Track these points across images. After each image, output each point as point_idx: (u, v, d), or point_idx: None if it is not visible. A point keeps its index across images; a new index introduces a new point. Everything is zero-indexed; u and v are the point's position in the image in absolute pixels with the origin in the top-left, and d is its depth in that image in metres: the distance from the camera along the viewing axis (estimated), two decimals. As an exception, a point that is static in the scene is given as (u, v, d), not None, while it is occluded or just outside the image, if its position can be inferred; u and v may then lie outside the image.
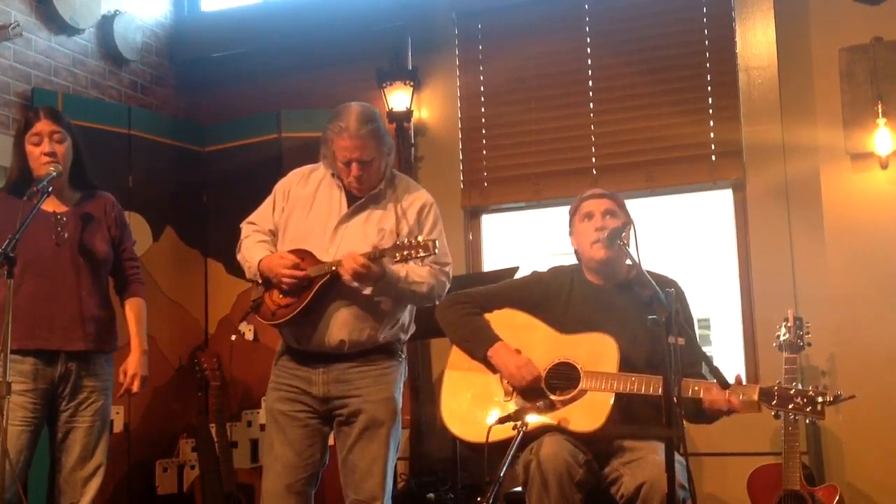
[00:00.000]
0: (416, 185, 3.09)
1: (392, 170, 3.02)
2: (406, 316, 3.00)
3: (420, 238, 2.70)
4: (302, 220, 2.96)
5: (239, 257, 3.05)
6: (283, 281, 2.83)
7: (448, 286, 2.98)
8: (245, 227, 3.08)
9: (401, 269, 2.82)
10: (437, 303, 3.00)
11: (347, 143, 2.84)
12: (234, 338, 4.49)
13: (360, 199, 2.93)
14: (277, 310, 2.87)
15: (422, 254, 2.68)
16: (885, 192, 4.08)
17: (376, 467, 2.86)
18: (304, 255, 2.87)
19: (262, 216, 3.07)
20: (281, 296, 2.87)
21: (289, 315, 2.83)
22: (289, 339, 2.97)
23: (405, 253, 2.68)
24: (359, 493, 2.86)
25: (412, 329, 3.06)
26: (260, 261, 2.90)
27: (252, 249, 2.97)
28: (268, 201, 3.08)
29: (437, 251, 2.70)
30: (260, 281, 2.93)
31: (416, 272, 2.87)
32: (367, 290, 2.84)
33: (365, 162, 2.86)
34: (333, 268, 2.77)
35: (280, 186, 3.08)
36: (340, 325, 2.84)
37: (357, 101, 2.95)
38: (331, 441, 3.01)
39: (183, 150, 5.07)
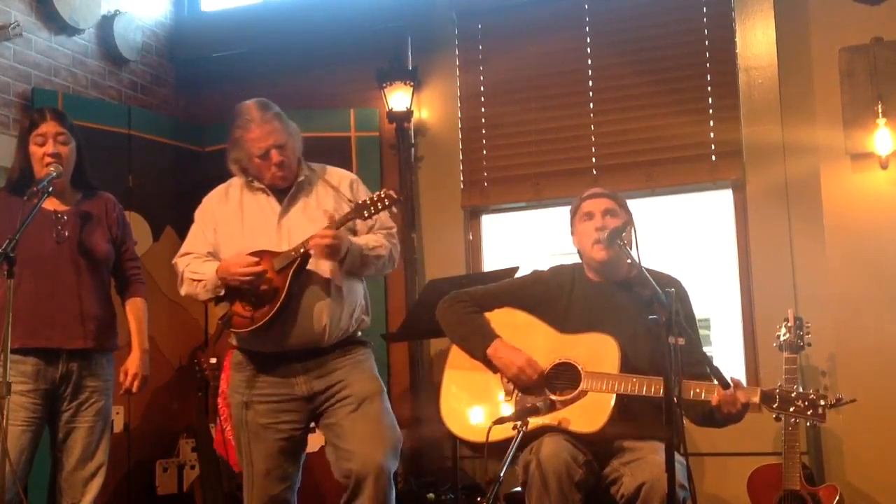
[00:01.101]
0: (332, 167, 3.08)
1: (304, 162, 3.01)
2: (363, 298, 3.00)
3: (380, 192, 2.72)
4: (238, 233, 2.91)
5: (185, 291, 2.94)
6: (243, 279, 2.75)
7: (399, 248, 3.01)
8: (181, 261, 2.98)
9: (359, 240, 2.85)
10: (394, 267, 3.04)
11: (258, 132, 2.84)
12: (214, 360, 4.46)
13: (286, 194, 2.91)
14: (254, 314, 2.80)
15: (387, 203, 2.70)
16: (885, 192, 4.08)
17: (366, 445, 2.75)
18: (261, 254, 2.82)
19: (195, 244, 2.99)
20: (252, 301, 2.81)
21: (271, 313, 2.77)
22: (262, 344, 2.88)
23: (371, 209, 2.69)
24: (356, 462, 2.73)
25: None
26: (217, 267, 2.83)
27: (201, 268, 2.89)
28: (194, 229, 3.02)
29: (397, 197, 2.73)
30: (222, 293, 2.87)
31: (372, 239, 2.90)
32: (337, 275, 2.82)
33: (281, 146, 2.86)
34: (302, 249, 2.74)
35: (200, 212, 3.03)
36: (321, 311, 2.82)
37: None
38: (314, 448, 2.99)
39: (183, 150, 5.07)
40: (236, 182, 3.01)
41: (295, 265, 2.76)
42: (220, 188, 3.05)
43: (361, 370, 2.92)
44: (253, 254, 2.83)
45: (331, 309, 2.84)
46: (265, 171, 2.89)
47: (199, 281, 2.89)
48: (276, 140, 2.85)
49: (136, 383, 3.22)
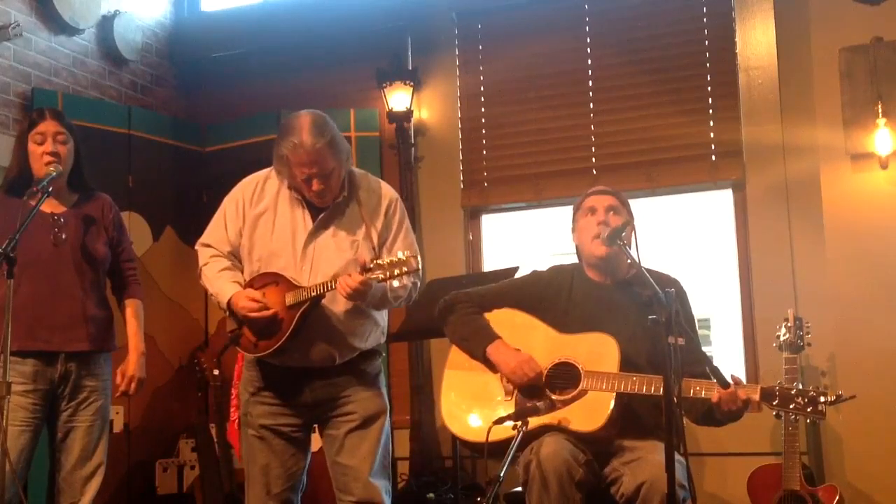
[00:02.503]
0: (375, 181, 2.97)
1: (349, 169, 2.92)
2: (385, 321, 2.99)
3: (401, 254, 2.63)
4: (267, 240, 2.85)
5: (202, 283, 2.93)
6: (250, 319, 2.74)
7: (419, 284, 2.95)
8: (202, 252, 2.94)
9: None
10: (409, 304, 3.00)
11: (304, 158, 2.70)
12: (216, 372, 4.44)
13: (322, 210, 2.83)
14: (258, 343, 2.79)
15: (405, 270, 2.62)
16: (885, 192, 4.08)
17: (368, 466, 2.81)
18: (277, 279, 2.78)
19: (216, 237, 2.93)
20: (258, 331, 2.79)
21: (273, 346, 2.75)
22: (271, 358, 2.86)
23: (389, 273, 2.61)
24: (354, 494, 2.81)
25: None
26: (229, 300, 2.78)
27: (216, 282, 2.85)
28: (218, 219, 2.94)
29: (417, 266, 2.65)
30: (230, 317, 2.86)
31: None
32: (350, 311, 2.79)
33: (325, 175, 2.75)
34: (314, 293, 2.70)
35: (231, 202, 2.92)
36: (330, 344, 2.80)
37: (307, 110, 2.80)
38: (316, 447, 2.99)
39: (183, 150, 5.08)
40: (276, 177, 2.90)
41: (306, 306, 2.73)
42: (259, 178, 2.92)
43: (369, 386, 2.89)
44: (268, 275, 2.80)
45: (340, 341, 2.81)
46: (304, 191, 2.81)
47: (214, 295, 2.87)
48: (320, 170, 2.73)
49: (132, 385, 3.22)
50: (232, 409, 4.23)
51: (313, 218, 2.84)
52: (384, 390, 2.95)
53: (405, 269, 2.61)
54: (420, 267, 2.69)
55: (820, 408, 2.48)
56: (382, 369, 3.00)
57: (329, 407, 2.86)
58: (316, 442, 2.98)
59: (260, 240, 2.86)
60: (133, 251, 3.44)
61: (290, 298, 2.74)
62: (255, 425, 2.90)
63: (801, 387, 2.54)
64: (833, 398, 2.51)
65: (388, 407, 2.94)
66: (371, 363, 2.93)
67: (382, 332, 2.98)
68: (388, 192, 2.95)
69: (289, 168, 2.77)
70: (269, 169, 2.92)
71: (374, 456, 2.83)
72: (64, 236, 3.12)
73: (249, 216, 2.88)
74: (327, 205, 2.83)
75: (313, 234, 2.83)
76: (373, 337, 2.91)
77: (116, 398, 3.31)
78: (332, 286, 2.68)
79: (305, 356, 2.80)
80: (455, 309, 3.01)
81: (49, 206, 3.10)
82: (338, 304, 2.80)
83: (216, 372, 4.42)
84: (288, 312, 2.74)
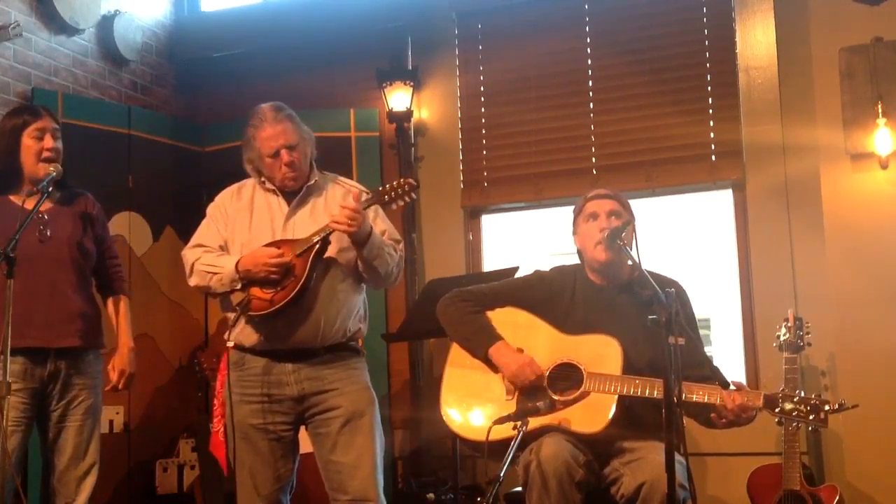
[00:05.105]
0: (344, 178, 3.13)
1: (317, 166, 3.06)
2: (363, 306, 3.04)
3: (399, 180, 2.78)
4: (245, 230, 2.95)
5: (195, 282, 2.94)
6: (270, 269, 2.78)
7: (402, 264, 3.04)
8: (192, 252, 2.98)
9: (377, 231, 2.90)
10: (395, 282, 3.08)
11: (270, 131, 2.90)
12: (202, 358, 4.44)
13: (295, 196, 2.95)
14: (274, 296, 2.81)
15: (407, 190, 2.77)
16: (885, 192, 4.07)
17: (364, 461, 2.83)
18: (275, 244, 2.87)
19: (207, 237, 3.01)
20: (270, 286, 2.82)
21: (291, 294, 2.78)
22: (256, 342, 2.89)
23: (392, 194, 2.76)
24: (349, 492, 2.82)
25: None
26: (237, 262, 2.84)
27: (217, 261, 2.90)
28: (206, 224, 3.04)
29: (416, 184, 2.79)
30: (239, 286, 2.86)
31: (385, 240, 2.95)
32: (339, 276, 2.87)
33: (292, 146, 2.90)
34: (322, 234, 2.78)
35: (213, 207, 3.07)
36: (317, 315, 2.84)
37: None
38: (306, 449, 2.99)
39: (183, 150, 5.07)
40: (249, 182, 3.05)
41: (315, 249, 2.80)
42: (234, 187, 3.09)
43: (355, 380, 2.93)
44: (270, 244, 2.86)
45: (326, 312, 2.85)
46: (276, 172, 2.93)
47: (215, 274, 2.88)
48: (286, 140, 2.90)
49: (122, 381, 3.21)
50: (215, 420, 4.19)
51: (288, 203, 2.96)
52: (370, 384, 2.98)
53: (406, 187, 2.77)
54: (417, 184, 2.84)
55: (822, 416, 2.49)
56: (366, 367, 3.03)
57: (316, 402, 2.88)
58: (308, 442, 2.98)
59: (240, 229, 2.96)
60: (116, 248, 3.43)
61: (298, 248, 2.82)
62: (241, 427, 2.90)
63: (802, 392, 2.54)
64: (836, 407, 2.51)
65: (377, 400, 2.95)
66: (356, 359, 2.98)
67: (362, 318, 3.03)
68: (357, 185, 3.09)
69: (258, 150, 2.94)
70: (243, 181, 3.08)
71: (369, 451, 2.85)
72: (49, 233, 3.11)
73: (231, 210, 3.02)
74: (299, 186, 2.95)
75: (290, 214, 2.95)
76: (354, 319, 2.95)
77: (114, 396, 3.29)
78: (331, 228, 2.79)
79: (292, 329, 2.82)
80: (457, 306, 3.01)
81: (32, 204, 3.06)
82: (331, 270, 2.87)
83: (203, 356, 4.40)
84: (300, 260, 2.81)
